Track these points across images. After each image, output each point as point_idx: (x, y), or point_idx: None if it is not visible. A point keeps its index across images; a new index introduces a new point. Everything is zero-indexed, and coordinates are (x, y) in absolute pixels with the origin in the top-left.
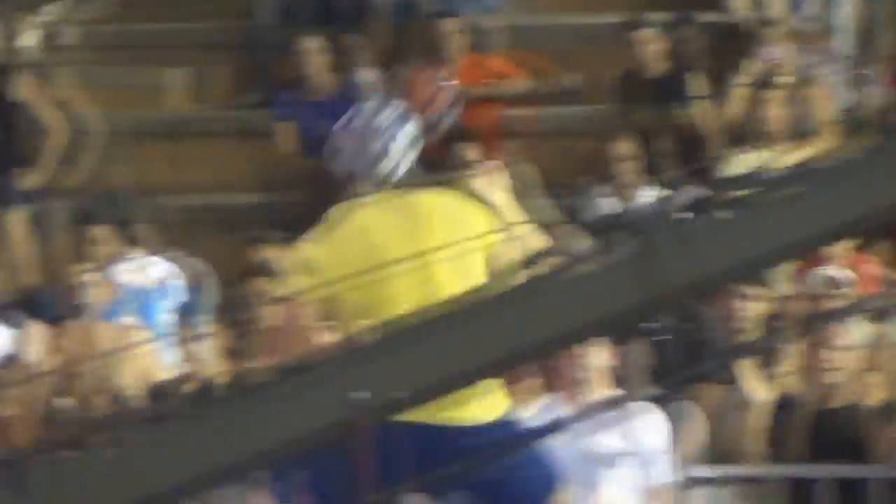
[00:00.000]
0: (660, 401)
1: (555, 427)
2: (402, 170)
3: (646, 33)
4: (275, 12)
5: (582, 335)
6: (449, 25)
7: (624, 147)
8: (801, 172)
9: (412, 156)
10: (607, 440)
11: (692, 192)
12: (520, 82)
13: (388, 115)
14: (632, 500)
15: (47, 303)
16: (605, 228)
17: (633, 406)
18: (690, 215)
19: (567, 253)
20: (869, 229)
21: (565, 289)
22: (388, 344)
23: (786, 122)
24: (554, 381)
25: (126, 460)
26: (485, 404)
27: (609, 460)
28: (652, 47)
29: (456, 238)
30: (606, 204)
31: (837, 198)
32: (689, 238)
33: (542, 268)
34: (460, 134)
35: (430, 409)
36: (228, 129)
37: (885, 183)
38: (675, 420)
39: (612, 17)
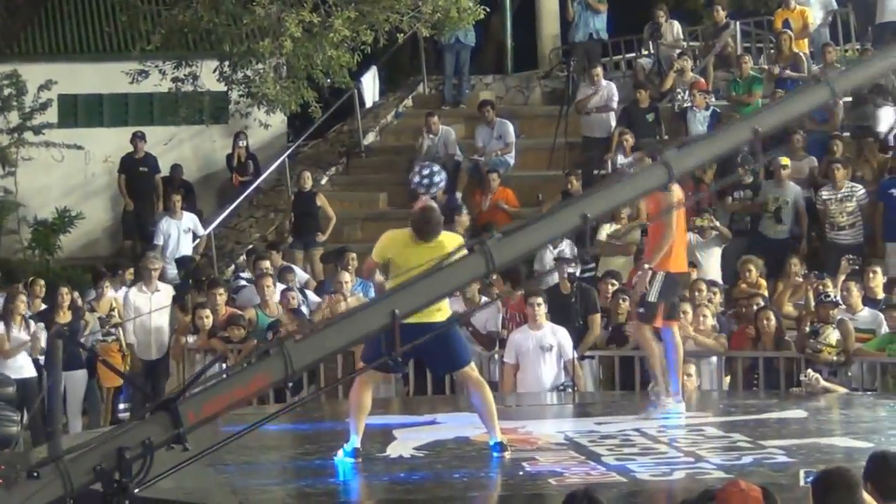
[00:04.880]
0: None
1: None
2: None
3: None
4: None
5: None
6: (494, 177)
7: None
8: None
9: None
10: (547, 338)
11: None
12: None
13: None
14: (558, 370)
15: (328, 287)
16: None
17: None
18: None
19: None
20: None
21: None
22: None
23: None
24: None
25: None
26: (439, 313)
27: (548, 347)
28: None
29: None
30: None
31: None
32: (504, 243)
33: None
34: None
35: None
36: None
37: None
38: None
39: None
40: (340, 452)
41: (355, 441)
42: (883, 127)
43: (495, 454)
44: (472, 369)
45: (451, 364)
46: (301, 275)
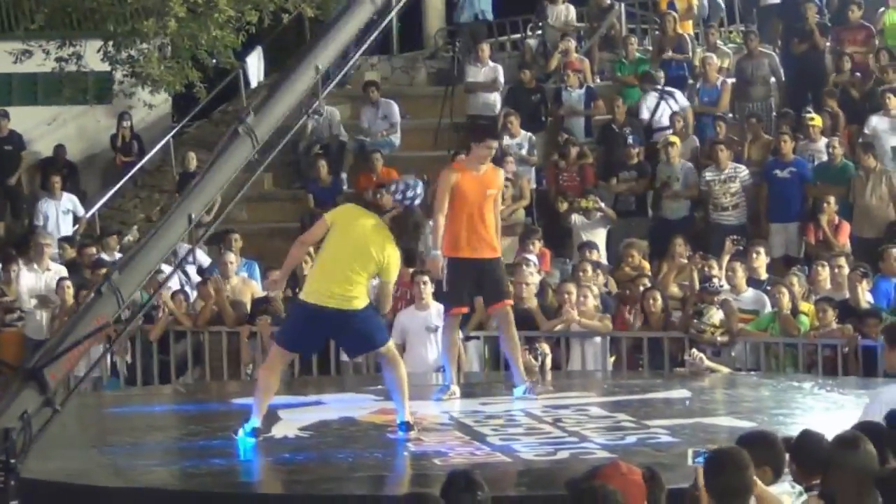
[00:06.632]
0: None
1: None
2: None
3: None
4: None
5: None
6: (378, 157)
7: None
8: None
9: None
10: (433, 319)
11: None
12: None
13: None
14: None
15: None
16: None
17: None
18: None
19: None
20: None
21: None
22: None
23: None
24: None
25: None
26: (357, 301)
27: (433, 328)
28: None
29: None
30: None
31: None
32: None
33: None
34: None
35: (331, 302)
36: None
37: None
38: None
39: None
40: (241, 431)
41: (256, 421)
42: (645, 114)
43: (401, 433)
44: (387, 348)
45: (367, 346)
46: (202, 258)
